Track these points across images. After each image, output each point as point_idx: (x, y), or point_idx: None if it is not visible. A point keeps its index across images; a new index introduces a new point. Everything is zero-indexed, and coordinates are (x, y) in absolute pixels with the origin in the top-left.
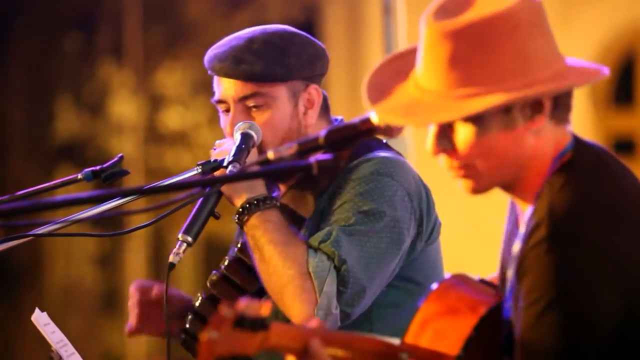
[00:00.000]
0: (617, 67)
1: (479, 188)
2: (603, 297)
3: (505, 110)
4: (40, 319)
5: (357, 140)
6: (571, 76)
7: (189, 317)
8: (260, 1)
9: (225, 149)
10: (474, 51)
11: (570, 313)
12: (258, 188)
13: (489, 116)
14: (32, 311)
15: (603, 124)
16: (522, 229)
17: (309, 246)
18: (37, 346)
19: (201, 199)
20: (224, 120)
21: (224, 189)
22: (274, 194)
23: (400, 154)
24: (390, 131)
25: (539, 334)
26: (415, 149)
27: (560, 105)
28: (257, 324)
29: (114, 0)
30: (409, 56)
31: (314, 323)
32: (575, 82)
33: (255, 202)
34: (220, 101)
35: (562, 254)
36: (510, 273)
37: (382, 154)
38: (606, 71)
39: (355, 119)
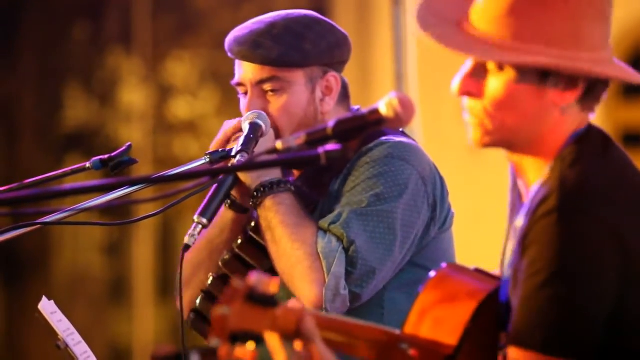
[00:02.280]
0: (626, 60)
1: (486, 142)
2: (605, 276)
3: (542, 75)
4: (47, 307)
5: (365, 131)
6: (613, 68)
7: (200, 296)
8: None
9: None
10: (533, 8)
11: (570, 289)
12: (273, 172)
13: (525, 75)
14: (39, 300)
15: (612, 116)
16: (527, 203)
17: (320, 228)
18: (44, 335)
19: (217, 182)
20: (243, 103)
21: (240, 172)
22: (289, 179)
23: (415, 140)
24: (399, 122)
25: (536, 306)
26: (424, 139)
27: (592, 92)
28: (267, 300)
29: None
30: None
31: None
32: (615, 74)
33: (269, 185)
34: (239, 84)
35: (570, 227)
36: (510, 247)
37: (397, 138)
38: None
39: (363, 109)
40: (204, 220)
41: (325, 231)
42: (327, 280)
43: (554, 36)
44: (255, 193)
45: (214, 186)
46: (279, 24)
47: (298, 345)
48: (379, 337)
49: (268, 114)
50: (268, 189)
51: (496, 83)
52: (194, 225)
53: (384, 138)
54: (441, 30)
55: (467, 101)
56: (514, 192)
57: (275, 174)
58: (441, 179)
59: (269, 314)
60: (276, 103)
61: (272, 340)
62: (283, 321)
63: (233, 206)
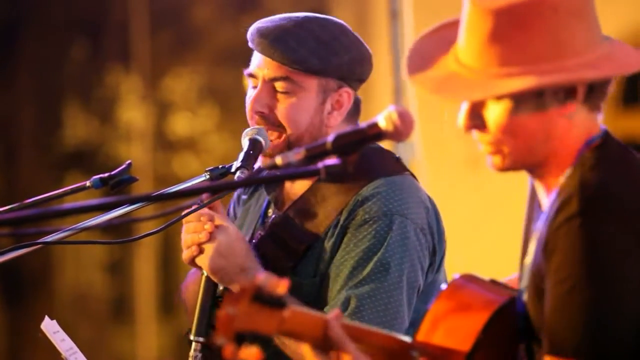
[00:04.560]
0: None
1: (507, 166)
2: (632, 279)
3: (538, 93)
4: (49, 326)
5: (364, 145)
6: (604, 67)
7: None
8: (267, 6)
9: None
10: (513, 31)
11: (599, 294)
12: (251, 269)
13: (521, 97)
14: (42, 319)
15: (611, 125)
16: (546, 210)
17: None
18: (47, 354)
19: (200, 295)
20: (250, 95)
21: (219, 281)
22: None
23: (408, 170)
24: (398, 135)
25: (566, 313)
26: (423, 152)
27: (595, 92)
28: (275, 301)
29: (121, 6)
30: (456, 25)
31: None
32: (608, 73)
33: None
34: (251, 75)
35: (594, 231)
36: (528, 258)
37: (394, 179)
38: None
39: (363, 123)
40: (201, 339)
41: None
42: None
43: (538, 52)
44: None
45: (198, 300)
46: (307, 26)
47: (333, 354)
48: (391, 344)
49: (274, 111)
50: None
51: (496, 112)
52: (194, 345)
53: (381, 179)
54: (431, 75)
55: (476, 134)
56: (532, 202)
57: (252, 268)
58: (437, 217)
59: (277, 315)
60: (284, 103)
61: (305, 349)
62: (293, 324)
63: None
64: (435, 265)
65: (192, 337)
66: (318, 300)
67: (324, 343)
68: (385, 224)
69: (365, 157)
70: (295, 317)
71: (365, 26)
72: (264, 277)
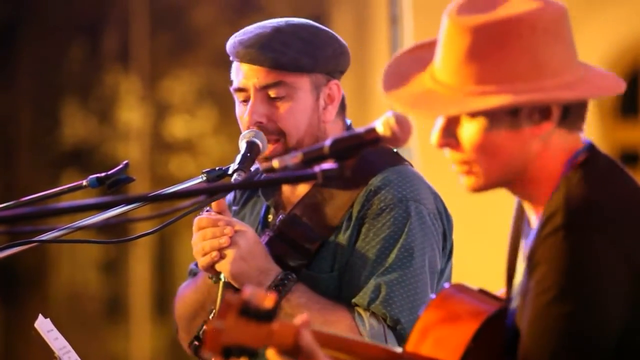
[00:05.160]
0: (625, 77)
1: (480, 186)
2: (614, 293)
3: (513, 112)
4: (43, 325)
5: (362, 150)
6: (580, 88)
7: (203, 327)
8: (267, 9)
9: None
10: (489, 49)
11: (579, 307)
12: (270, 271)
13: (496, 116)
14: (36, 317)
15: (609, 136)
16: (534, 226)
17: (355, 307)
18: (41, 353)
19: (219, 300)
20: (240, 110)
21: (235, 280)
22: (263, 212)
23: (407, 161)
24: (396, 141)
25: (544, 324)
26: (421, 158)
27: (572, 113)
28: (262, 314)
29: (120, 6)
30: (432, 46)
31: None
32: (584, 94)
33: (275, 287)
34: (239, 89)
35: (577, 244)
36: (518, 279)
37: (399, 169)
38: (621, 88)
39: (360, 128)
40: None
41: (360, 313)
42: None
43: (515, 71)
44: None
45: (218, 303)
46: (285, 29)
47: None
48: (380, 355)
49: (273, 119)
50: (277, 294)
51: (470, 131)
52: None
53: (388, 169)
54: (406, 92)
55: (449, 153)
56: (517, 220)
57: (273, 272)
58: (442, 203)
59: (264, 329)
60: (282, 109)
61: (271, 356)
62: (279, 336)
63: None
64: (446, 250)
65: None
66: (338, 293)
67: (294, 350)
68: (402, 210)
69: (367, 152)
70: (280, 331)
71: (365, 31)
72: (250, 292)
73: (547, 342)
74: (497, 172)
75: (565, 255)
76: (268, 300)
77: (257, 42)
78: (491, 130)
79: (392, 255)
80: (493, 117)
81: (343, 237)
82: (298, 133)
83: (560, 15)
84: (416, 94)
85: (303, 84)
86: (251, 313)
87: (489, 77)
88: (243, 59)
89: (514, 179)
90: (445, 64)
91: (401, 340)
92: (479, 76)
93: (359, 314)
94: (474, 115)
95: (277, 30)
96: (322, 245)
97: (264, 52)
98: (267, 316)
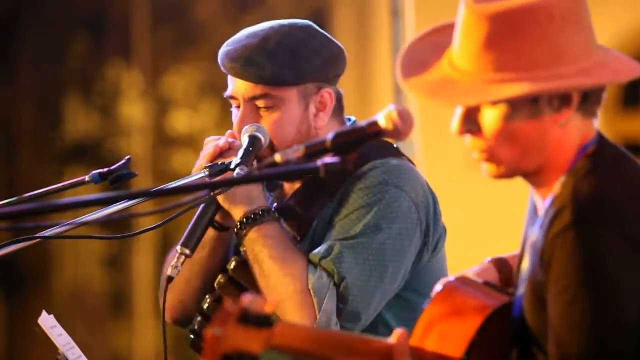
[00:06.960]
0: None
1: (502, 173)
2: (630, 285)
3: (533, 99)
4: (47, 321)
5: (364, 144)
6: (599, 74)
7: (198, 318)
8: (269, 4)
9: (208, 151)
10: (508, 37)
11: (600, 301)
12: (256, 200)
13: (516, 103)
14: (39, 314)
15: (611, 127)
16: (542, 216)
17: (310, 262)
18: (44, 349)
19: (199, 210)
20: (235, 115)
21: (222, 201)
22: (270, 203)
23: (410, 160)
24: (398, 134)
25: (569, 322)
26: (424, 151)
27: (590, 99)
28: (262, 321)
29: (122, 1)
30: (447, 30)
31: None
32: (601, 80)
33: (252, 215)
34: (232, 97)
35: (589, 240)
36: (525, 264)
37: (392, 161)
38: (638, 72)
39: (362, 122)
40: (187, 251)
41: (315, 265)
42: (318, 317)
43: (534, 59)
44: (239, 225)
45: (196, 214)
46: (273, 39)
47: None
48: (383, 350)
49: None
50: (252, 220)
51: (491, 117)
52: (177, 255)
53: (379, 160)
54: (425, 80)
55: (470, 140)
56: (531, 208)
57: (258, 202)
58: (434, 199)
59: (264, 334)
60: (269, 119)
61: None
62: (280, 337)
63: (215, 227)
64: (429, 245)
65: (178, 248)
66: None
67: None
68: (379, 192)
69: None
70: (283, 333)
71: (367, 26)
72: (249, 299)
73: (574, 340)
74: (517, 160)
75: (578, 253)
76: (268, 306)
77: (242, 55)
78: (512, 117)
79: (356, 229)
80: (514, 104)
81: (326, 214)
82: (286, 142)
83: (580, 1)
84: (435, 82)
85: (290, 95)
86: (251, 319)
87: (508, 65)
88: (230, 72)
89: (532, 167)
90: (463, 50)
91: (342, 300)
92: (497, 64)
93: (313, 265)
94: (494, 103)
95: (265, 40)
96: (310, 230)
97: (247, 68)
98: (267, 322)
